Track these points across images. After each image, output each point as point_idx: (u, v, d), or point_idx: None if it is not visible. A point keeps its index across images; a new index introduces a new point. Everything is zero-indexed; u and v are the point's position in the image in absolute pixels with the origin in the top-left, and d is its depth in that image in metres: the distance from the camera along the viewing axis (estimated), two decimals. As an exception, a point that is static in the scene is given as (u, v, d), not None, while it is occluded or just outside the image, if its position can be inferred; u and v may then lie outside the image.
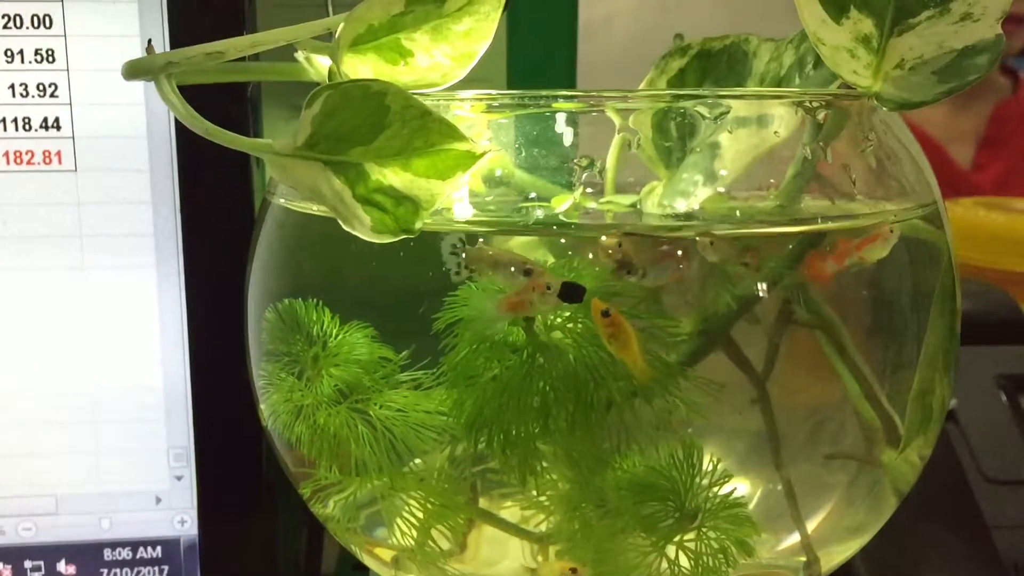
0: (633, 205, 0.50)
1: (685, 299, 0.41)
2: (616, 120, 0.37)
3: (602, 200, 0.49)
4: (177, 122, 0.49)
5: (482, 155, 0.35)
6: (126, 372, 0.51)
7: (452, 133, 0.34)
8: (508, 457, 0.39)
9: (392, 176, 0.34)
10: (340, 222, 0.33)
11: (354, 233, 0.34)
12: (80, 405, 0.51)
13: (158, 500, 0.50)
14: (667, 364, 0.38)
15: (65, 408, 0.49)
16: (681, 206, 0.46)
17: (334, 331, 0.42)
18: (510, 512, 0.42)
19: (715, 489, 0.38)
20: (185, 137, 0.49)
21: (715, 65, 0.49)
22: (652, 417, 0.38)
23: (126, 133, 0.49)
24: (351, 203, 0.34)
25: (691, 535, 0.38)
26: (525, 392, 0.38)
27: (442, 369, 0.40)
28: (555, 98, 0.39)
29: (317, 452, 0.41)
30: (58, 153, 0.49)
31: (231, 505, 0.53)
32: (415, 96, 0.33)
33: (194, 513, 0.50)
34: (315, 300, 0.41)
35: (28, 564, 0.52)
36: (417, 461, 0.41)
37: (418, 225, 0.34)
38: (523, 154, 0.43)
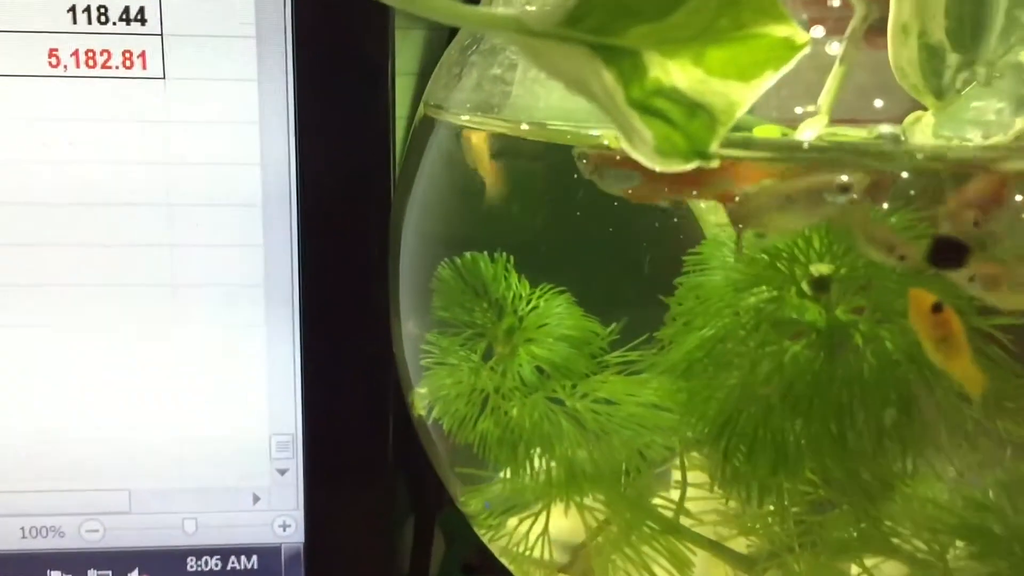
0: (877, 138, 0.38)
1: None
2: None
3: (823, 134, 0.38)
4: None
5: (804, 45, 0.24)
6: (219, 330, 0.40)
7: (770, 10, 0.23)
8: (778, 478, 0.28)
9: (678, 73, 0.23)
10: (619, 136, 0.22)
11: (635, 155, 0.22)
12: (159, 370, 0.40)
13: (256, 499, 0.40)
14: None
15: (140, 374, 0.37)
16: (976, 136, 0.34)
17: (528, 298, 0.31)
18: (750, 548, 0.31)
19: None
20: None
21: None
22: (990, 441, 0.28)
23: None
24: (625, 110, 0.22)
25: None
26: (819, 392, 0.27)
27: (677, 353, 0.29)
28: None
29: (508, 456, 0.30)
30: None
31: (344, 507, 0.43)
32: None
33: (299, 515, 0.40)
34: (504, 255, 0.30)
35: (92, 574, 0.41)
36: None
37: (714, 146, 0.23)
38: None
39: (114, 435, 0.41)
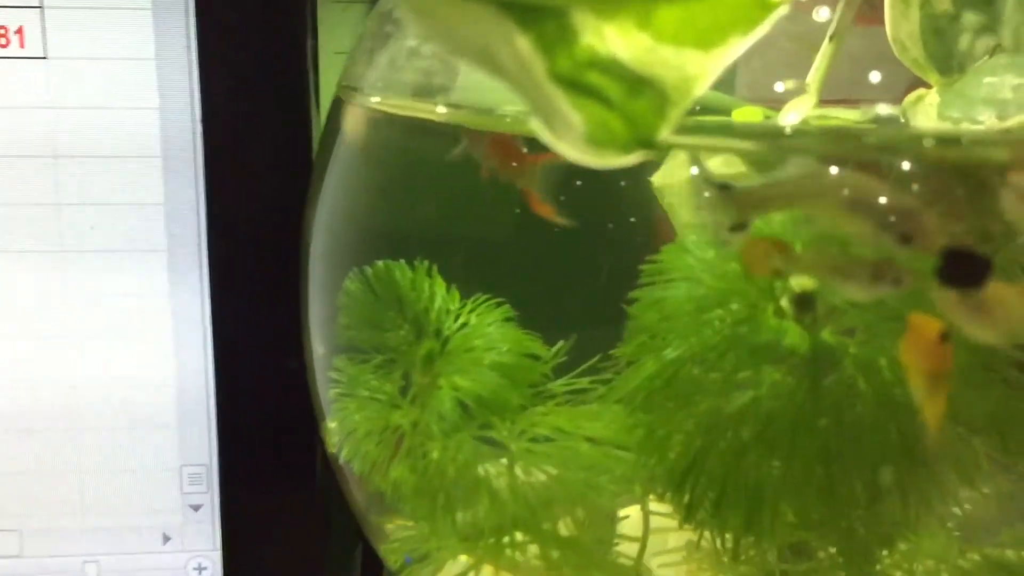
0: (872, 122, 0.33)
1: None
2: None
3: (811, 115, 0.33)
4: None
5: (778, 3, 0.19)
6: (124, 358, 0.35)
7: (734, -41, 0.18)
8: (754, 532, 0.23)
9: (618, 40, 0.18)
10: (536, 122, 0.17)
11: (556, 146, 0.17)
12: (60, 404, 0.35)
13: (166, 538, 0.37)
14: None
15: (40, 410, 0.33)
16: (989, 118, 0.30)
17: (457, 313, 0.25)
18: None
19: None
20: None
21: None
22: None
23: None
24: (546, 87, 0.17)
25: None
26: (802, 429, 0.22)
27: (635, 380, 0.24)
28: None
29: (428, 506, 0.25)
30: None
31: (268, 545, 0.38)
32: None
33: (217, 557, 0.35)
34: (426, 262, 0.25)
35: (-22, 625, 0.36)
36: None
37: (663, 133, 0.18)
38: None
39: (6, 466, 0.36)
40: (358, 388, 0.26)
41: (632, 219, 0.27)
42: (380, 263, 0.25)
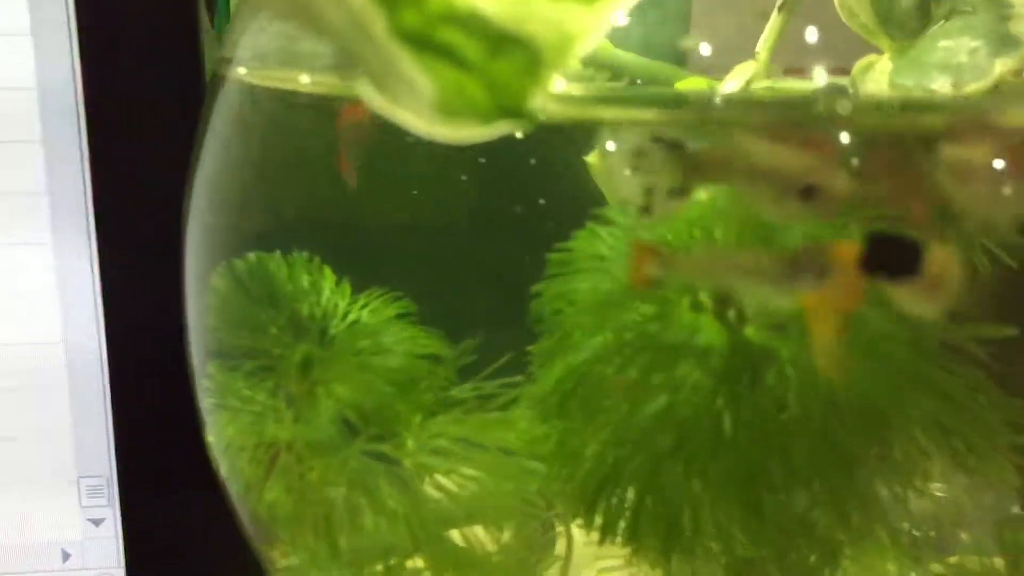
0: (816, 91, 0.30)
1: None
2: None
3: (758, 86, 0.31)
4: None
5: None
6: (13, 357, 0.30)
7: None
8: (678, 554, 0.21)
9: (479, -10, 0.15)
10: (369, 91, 0.14)
11: (395, 115, 0.14)
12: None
13: (66, 555, 0.35)
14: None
15: None
16: (944, 85, 0.27)
17: (342, 309, 0.23)
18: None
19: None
20: None
21: None
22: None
23: None
24: (386, 45, 0.14)
25: None
26: (723, 440, 0.19)
27: (545, 383, 0.22)
28: None
29: (306, 533, 0.22)
30: None
31: (177, 561, 0.35)
32: None
33: (120, 575, 0.31)
34: (306, 253, 0.22)
35: None
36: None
37: (539, 99, 0.15)
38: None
39: None
40: (229, 398, 0.23)
41: (555, 201, 0.24)
42: (252, 255, 0.22)
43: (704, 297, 0.21)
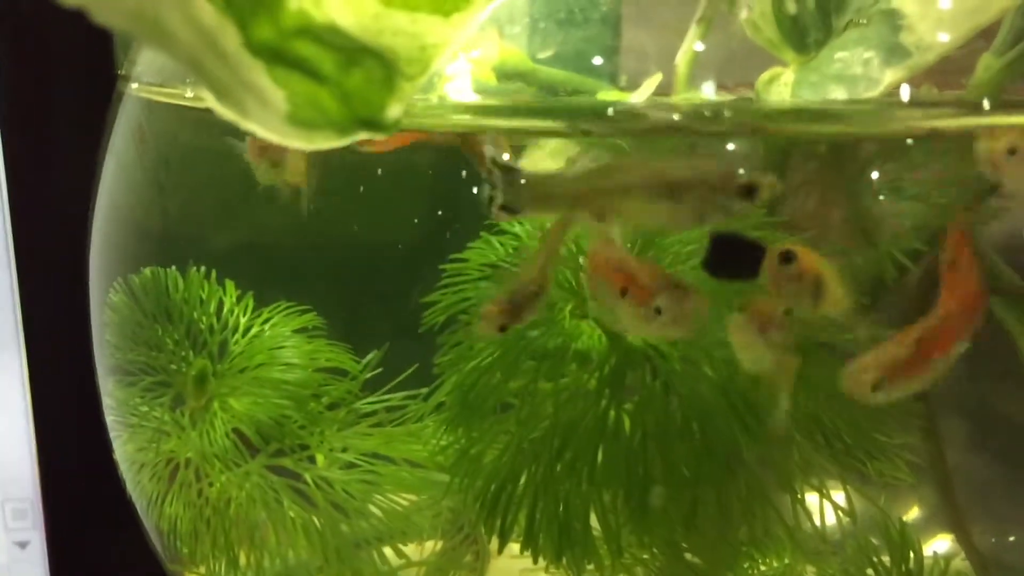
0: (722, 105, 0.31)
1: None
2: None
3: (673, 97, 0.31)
4: None
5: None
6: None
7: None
8: (569, 557, 0.21)
9: (339, 6, 0.15)
10: (212, 101, 0.14)
11: (245, 125, 0.14)
12: None
13: None
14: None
15: None
16: (839, 95, 0.28)
17: (240, 322, 0.23)
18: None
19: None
20: None
21: None
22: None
23: None
24: (241, 59, 0.14)
25: None
26: (607, 445, 0.20)
27: (441, 394, 0.22)
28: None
29: (208, 548, 0.22)
30: None
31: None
32: None
33: (47, 598, 0.32)
34: (202, 266, 0.22)
35: None
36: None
37: (393, 112, 0.15)
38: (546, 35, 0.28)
39: None
40: (128, 414, 0.23)
41: (453, 213, 0.24)
42: (147, 271, 0.22)
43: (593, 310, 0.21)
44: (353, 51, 0.16)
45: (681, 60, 0.30)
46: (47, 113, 0.31)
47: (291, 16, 0.16)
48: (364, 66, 0.16)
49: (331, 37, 0.16)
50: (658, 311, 0.16)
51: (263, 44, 0.15)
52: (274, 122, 0.15)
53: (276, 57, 0.15)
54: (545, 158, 0.26)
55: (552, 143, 0.26)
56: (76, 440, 0.33)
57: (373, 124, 0.16)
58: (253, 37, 0.15)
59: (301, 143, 0.15)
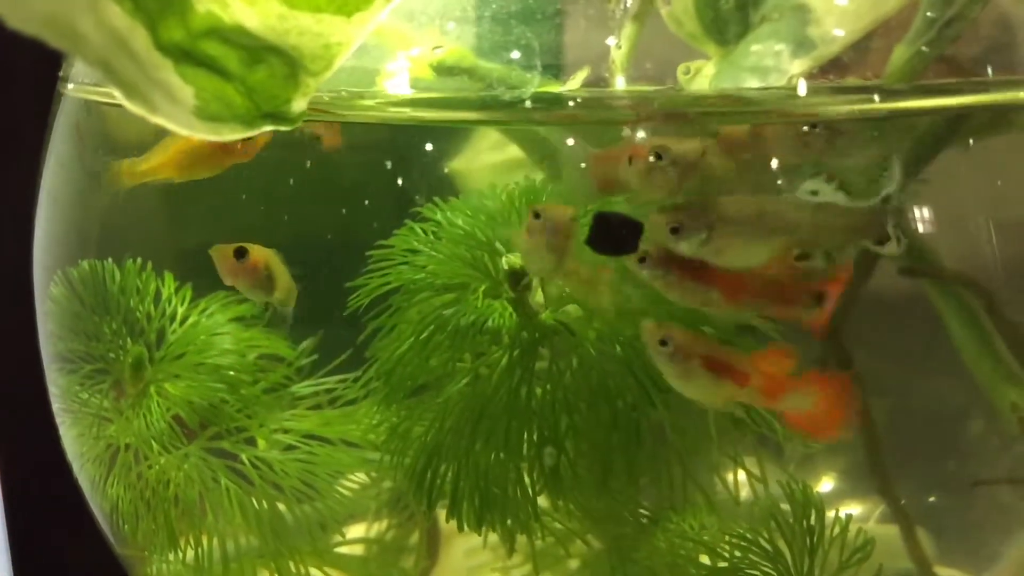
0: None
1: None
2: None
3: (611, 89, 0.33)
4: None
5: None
6: None
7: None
8: (489, 523, 0.22)
9: (244, 8, 0.16)
10: (122, 98, 0.15)
11: (154, 119, 0.16)
12: None
13: None
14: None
15: None
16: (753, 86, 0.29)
17: (177, 312, 0.24)
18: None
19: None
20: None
21: None
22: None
23: None
24: (151, 59, 0.15)
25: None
26: (520, 412, 0.21)
27: (369, 375, 0.23)
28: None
29: (149, 529, 0.23)
30: None
31: None
32: None
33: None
34: (138, 259, 0.23)
35: None
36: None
37: (298, 105, 0.16)
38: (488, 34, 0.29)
39: None
40: (70, 401, 0.24)
41: (379, 201, 0.25)
42: (85, 263, 0.23)
43: (504, 281, 0.22)
44: (258, 49, 0.17)
45: (618, 54, 0.32)
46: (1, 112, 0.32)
47: (199, 18, 0.17)
48: (268, 63, 0.17)
49: (238, 37, 0.17)
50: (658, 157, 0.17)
51: (172, 44, 0.16)
52: (183, 116, 0.16)
53: (184, 56, 0.16)
54: (485, 151, 0.28)
55: (493, 135, 0.28)
56: (37, 437, 0.34)
57: (278, 117, 0.17)
58: (162, 38, 0.16)
59: (208, 134, 0.16)
